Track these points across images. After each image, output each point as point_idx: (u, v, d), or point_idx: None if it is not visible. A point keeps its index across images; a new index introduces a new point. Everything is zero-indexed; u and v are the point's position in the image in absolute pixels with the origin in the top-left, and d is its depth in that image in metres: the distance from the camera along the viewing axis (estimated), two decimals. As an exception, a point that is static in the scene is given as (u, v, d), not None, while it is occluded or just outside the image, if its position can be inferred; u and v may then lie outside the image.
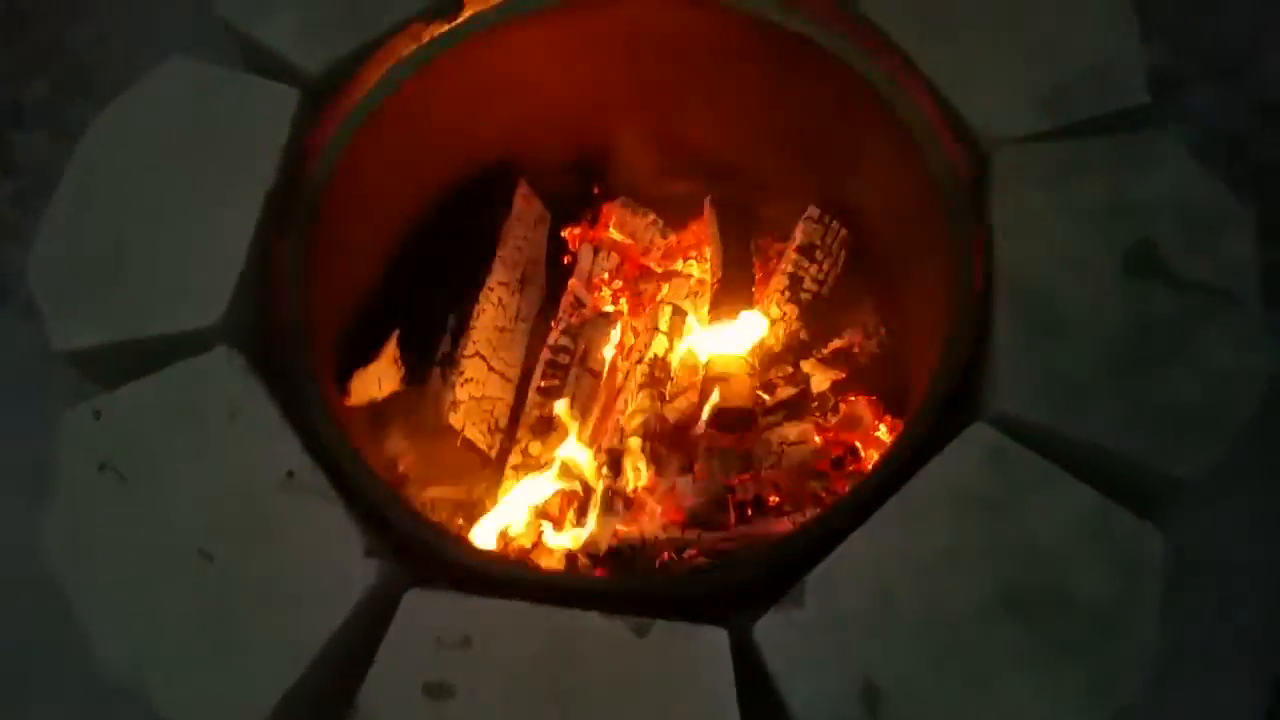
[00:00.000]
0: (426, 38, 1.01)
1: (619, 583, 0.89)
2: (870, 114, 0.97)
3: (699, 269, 1.21)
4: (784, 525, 1.04)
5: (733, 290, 1.18)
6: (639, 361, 1.11)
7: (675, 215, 1.25)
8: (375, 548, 0.80)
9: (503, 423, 1.15)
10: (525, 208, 1.23)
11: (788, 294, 1.16)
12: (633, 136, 1.22)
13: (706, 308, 1.18)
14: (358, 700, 0.75)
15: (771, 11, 1.00)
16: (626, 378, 1.11)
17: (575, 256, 1.24)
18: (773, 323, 1.16)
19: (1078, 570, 0.76)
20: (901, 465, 0.80)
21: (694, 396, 1.11)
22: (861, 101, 0.98)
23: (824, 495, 1.08)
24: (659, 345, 1.11)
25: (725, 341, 1.14)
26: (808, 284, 1.17)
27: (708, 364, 1.12)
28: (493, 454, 1.13)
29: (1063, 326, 0.84)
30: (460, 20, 1.01)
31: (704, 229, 1.24)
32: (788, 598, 0.76)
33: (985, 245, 0.88)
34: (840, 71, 0.98)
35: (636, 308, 1.19)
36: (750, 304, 1.16)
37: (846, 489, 1.05)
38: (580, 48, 1.09)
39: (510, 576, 0.80)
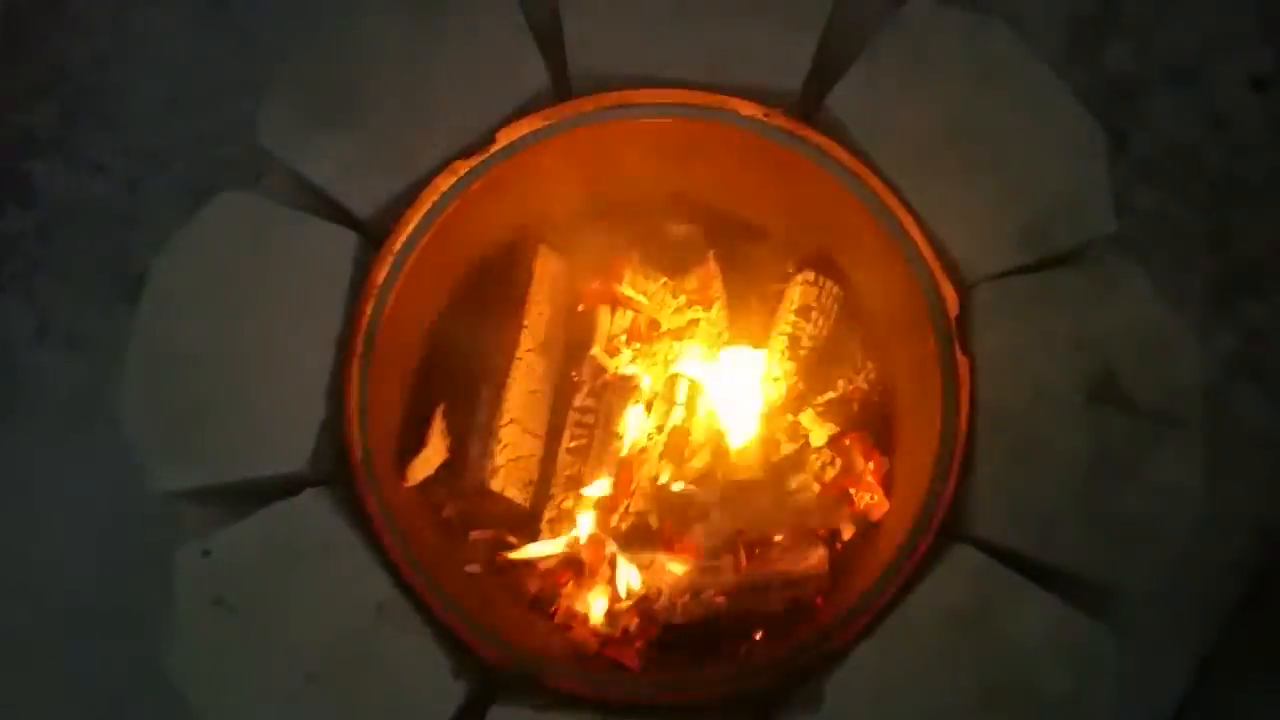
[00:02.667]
0: (463, 170, 1.08)
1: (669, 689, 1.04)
2: (870, 238, 1.08)
3: (706, 319, 1.33)
4: (788, 563, 1.22)
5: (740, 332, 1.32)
6: (659, 430, 1.25)
7: (680, 266, 1.36)
8: (461, 668, 0.96)
9: (535, 476, 1.29)
10: (544, 269, 1.33)
11: (787, 353, 1.29)
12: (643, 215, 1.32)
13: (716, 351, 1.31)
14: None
15: (779, 141, 1.09)
16: (648, 446, 1.25)
17: (592, 316, 1.35)
18: (774, 380, 1.29)
19: (1046, 670, 0.95)
20: (899, 581, 0.97)
21: (708, 456, 1.26)
22: (863, 226, 1.09)
23: (821, 533, 1.25)
24: (677, 416, 1.25)
25: (737, 403, 1.28)
26: (804, 341, 1.30)
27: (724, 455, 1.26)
28: (528, 505, 1.28)
29: (1034, 455, 0.99)
30: (492, 151, 1.09)
31: (708, 279, 1.35)
32: (808, 699, 0.95)
33: (970, 375, 1.01)
34: (842, 196, 1.09)
35: (651, 366, 1.32)
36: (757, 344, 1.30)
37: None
38: (597, 151, 1.17)
39: (580, 695, 0.97)
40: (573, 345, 1.35)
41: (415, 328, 1.19)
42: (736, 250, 1.35)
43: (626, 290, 1.35)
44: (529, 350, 1.29)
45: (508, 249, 1.28)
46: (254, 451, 1.01)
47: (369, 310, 1.06)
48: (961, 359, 1.03)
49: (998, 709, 0.93)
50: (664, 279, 1.34)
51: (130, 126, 1.66)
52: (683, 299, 1.34)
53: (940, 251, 1.05)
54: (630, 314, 1.34)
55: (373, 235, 1.08)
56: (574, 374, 1.32)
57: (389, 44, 1.11)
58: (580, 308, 1.37)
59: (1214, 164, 1.56)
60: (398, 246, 1.07)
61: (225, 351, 1.04)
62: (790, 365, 1.29)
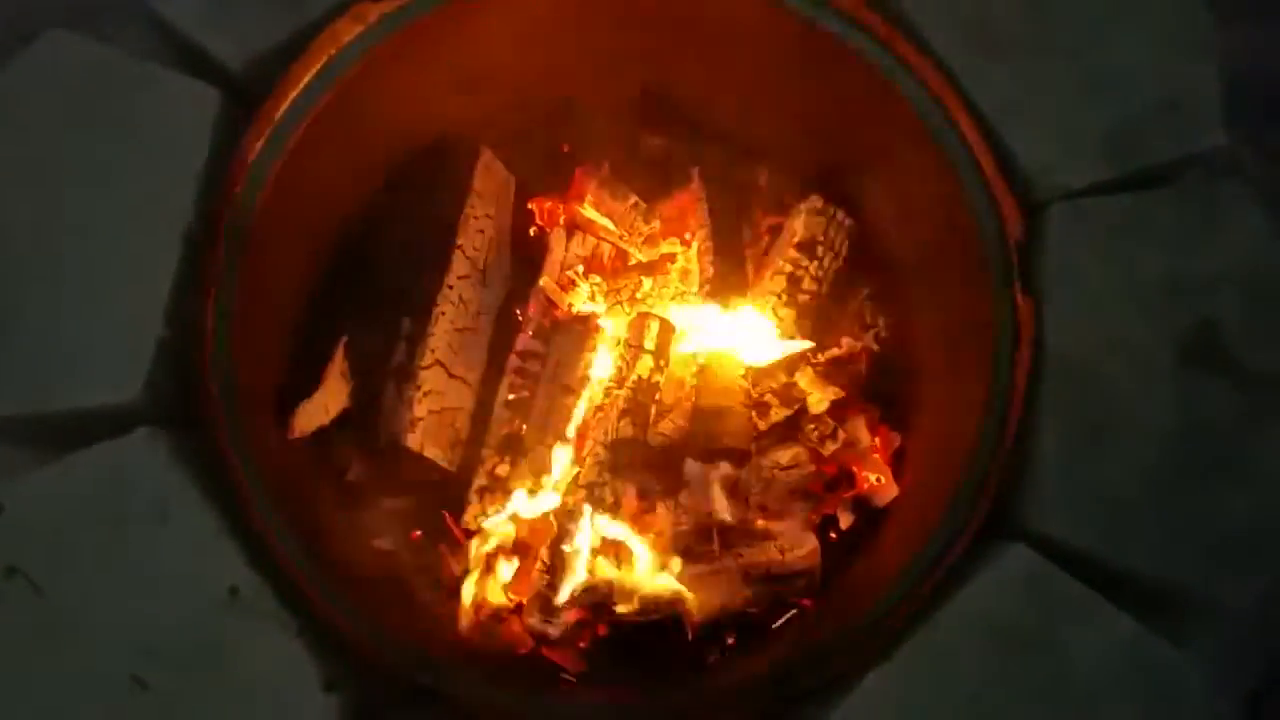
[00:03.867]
0: (373, 16, 0.82)
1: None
2: (910, 135, 0.83)
3: (684, 255, 1.08)
4: (771, 554, 0.98)
5: (725, 278, 1.06)
6: (621, 385, 0.99)
7: (656, 180, 1.11)
8: (335, 677, 0.71)
9: (464, 434, 1.04)
10: (487, 182, 1.07)
11: (785, 296, 1.05)
12: (611, 93, 1.06)
13: (695, 299, 1.06)
14: None
15: (797, 5, 0.83)
16: (607, 402, 1.00)
17: (544, 239, 1.09)
18: (767, 329, 1.04)
19: (1113, 707, 0.71)
20: (929, 587, 0.73)
21: (681, 420, 1.01)
22: (898, 119, 0.83)
23: (813, 518, 1.01)
24: (644, 366, 0.99)
25: (717, 343, 1.03)
26: (806, 284, 1.05)
27: (698, 385, 1.01)
28: (453, 468, 1.02)
29: (1111, 431, 0.75)
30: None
31: (690, 204, 1.10)
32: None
33: (1032, 322, 0.77)
34: (875, 82, 0.83)
35: (615, 305, 1.06)
36: (744, 292, 1.05)
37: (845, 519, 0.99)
38: (558, 20, 0.91)
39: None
40: (518, 274, 1.09)
41: (308, 226, 0.92)
42: (727, 168, 1.10)
43: (588, 211, 1.09)
44: (462, 277, 1.03)
45: (438, 146, 1.02)
46: (69, 374, 0.74)
47: (237, 195, 0.79)
48: (1023, 301, 0.78)
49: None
50: (635, 199, 1.07)
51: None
52: (657, 225, 1.08)
53: (1003, 159, 0.80)
54: (591, 240, 1.08)
55: (246, 95, 0.80)
56: (517, 309, 1.07)
57: None
58: (530, 230, 1.11)
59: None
60: (280, 113, 0.80)
61: (40, 242, 0.76)
62: (788, 312, 1.04)
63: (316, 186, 0.86)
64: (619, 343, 1.03)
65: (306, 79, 0.80)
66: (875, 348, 1.08)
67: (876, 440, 1.04)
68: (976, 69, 0.81)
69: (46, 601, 0.72)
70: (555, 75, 0.99)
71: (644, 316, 1.02)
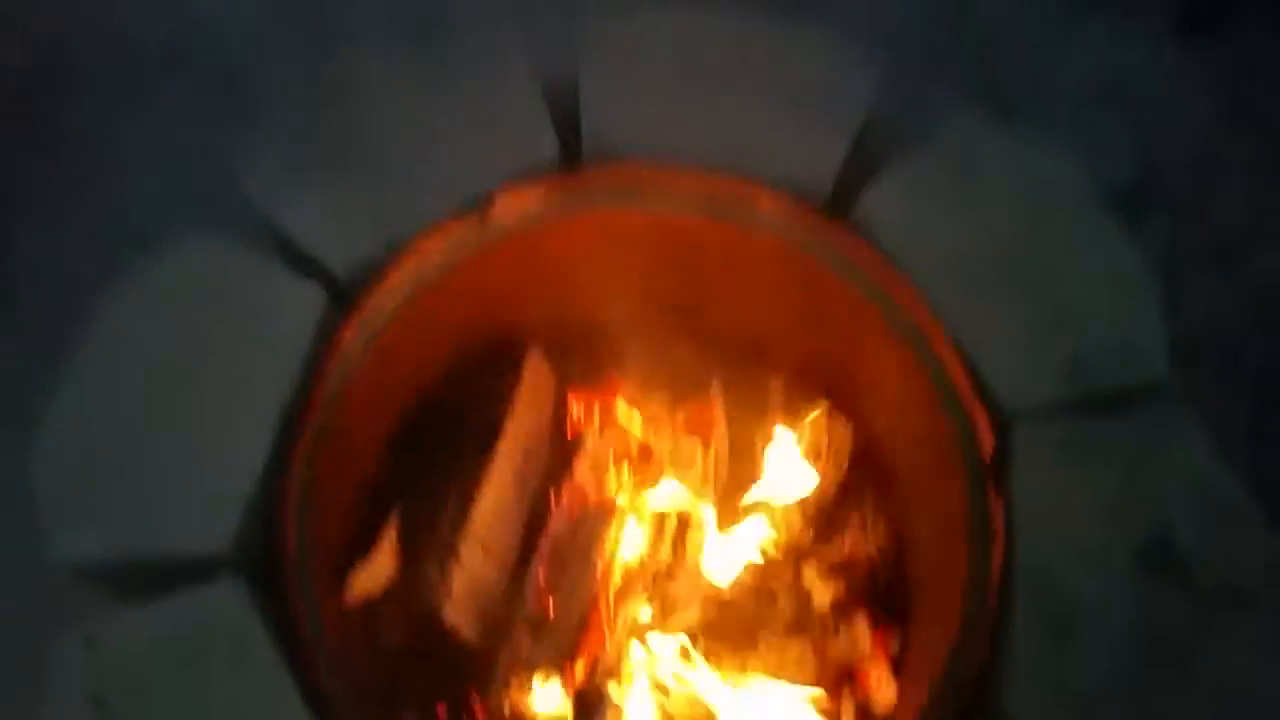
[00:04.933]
0: (456, 236, 0.99)
1: None
2: (897, 360, 0.97)
3: (702, 458, 1.20)
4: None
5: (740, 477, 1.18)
6: (639, 574, 1.10)
7: (682, 389, 1.24)
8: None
9: (496, 610, 1.13)
10: (533, 378, 1.21)
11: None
12: (645, 309, 1.21)
13: (711, 500, 1.17)
14: None
15: (803, 245, 1.00)
16: (624, 592, 1.10)
17: (580, 433, 1.22)
18: (777, 528, 1.15)
19: None
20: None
21: (694, 617, 1.10)
22: (889, 346, 0.98)
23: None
24: (664, 553, 1.10)
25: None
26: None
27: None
28: (484, 643, 1.11)
29: (1077, 628, 0.84)
30: (489, 223, 0.99)
31: (710, 410, 1.23)
32: None
33: (1005, 526, 0.88)
34: (868, 311, 0.98)
35: (640, 496, 1.18)
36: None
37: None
38: (602, 245, 1.08)
39: None
40: (555, 463, 1.21)
41: (382, 406, 1.06)
42: (743, 378, 1.24)
43: (620, 410, 1.22)
44: (505, 460, 1.16)
45: (496, 343, 1.17)
46: (169, 523, 0.87)
47: (330, 378, 0.93)
48: (996, 506, 0.89)
49: None
50: (661, 399, 1.21)
51: (123, 196, 1.58)
52: (681, 425, 1.21)
53: (977, 380, 0.93)
54: (622, 436, 1.21)
55: (346, 296, 0.97)
56: (552, 495, 1.18)
57: (391, 90, 1.04)
58: (568, 424, 1.24)
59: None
60: (372, 312, 0.96)
61: (159, 409, 0.91)
62: (795, 511, 1.16)
63: (393, 373, 1.01)
64: (643, 530, 1.14)
65: (394, 283, 0.97)
66: (874, 554, 1.17)
67: (877, 641, 1.12)
68: (954, 303, 0.95)
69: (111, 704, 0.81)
70: (596, 293, 1.15)
71: (665, 513, 1.13)
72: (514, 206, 1.01)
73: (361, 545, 1.06)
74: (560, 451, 1.21)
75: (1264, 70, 1.66)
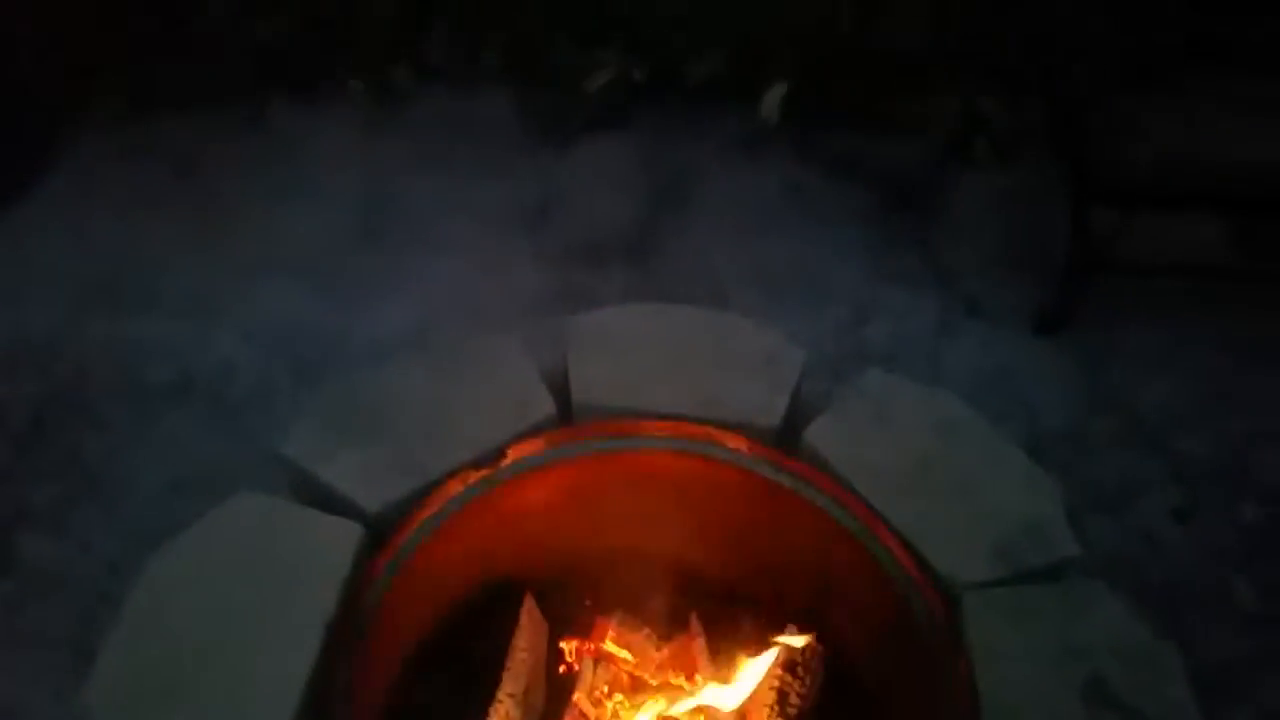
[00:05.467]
0: (473, 479, 1.17)
1: None
2: (851, 556, 1.15)
3: (687, 685, 1.31)
4: None
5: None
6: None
7: (664, 627, 1.37)
8: None
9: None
10: (528, 620, 1.33)
11: (776, 709, 1.26)
12: (624, 553, 1.37)
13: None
14: None
15: (764, 470, 1.20)
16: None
17: (574, 667, 1.32)
18: (765, 739, 1.24)
19: None
20: None
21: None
22: (843, 546, 1.16)
23: None
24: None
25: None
26: (792, 699, 1.27)
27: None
28: None
29: (1043, 756, 0.96)
30: (499, 468, 1.18)
31: (691, 643, 1.35)
32: None
33: (968, 678, 1.01)
34: (824, 521, 1.17)
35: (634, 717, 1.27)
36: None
37: None
38: (596, 483, 1.26)
39: None
40: (552, 699, 1.30)
41: (404, 628, 1.17)
42: (720, 612, 1.38)
43: (609, 645, 1.34)
44: (509, 694, 1.25)
45: (497, 588, 1.30)
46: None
47: (364, 599, 1.06)
48: (960, 663, 1.03)
49: None
50: (648, 631, 1.34)
51: (128, 513, 1.72)
52: (666, 654, 1.33)
53: (922, 566, 1.11)
54: (613, 669, 1.32)
55: (378, 529, 1.12)
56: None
57: (413, 385, 1.26)
58: (561, 667, 1.35)
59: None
60: (399, 544, 1.11)
61: (210, 635, 1.01)
62: (777, 720, 1.26)
63: (414, 600, 1.14)
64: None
65: (420, 521, 1.13)
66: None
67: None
68: (891, 507, 1.15)
69: None
70: (584, 539, 1.32)
71: (660, 727, 1.23)
72: (522, 452, 1.20)
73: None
74: (558, 686, 1.30)
75: (1101, 364, 2.03)
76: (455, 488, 1.16)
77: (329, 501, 1.14)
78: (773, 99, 2.54)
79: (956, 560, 1.11)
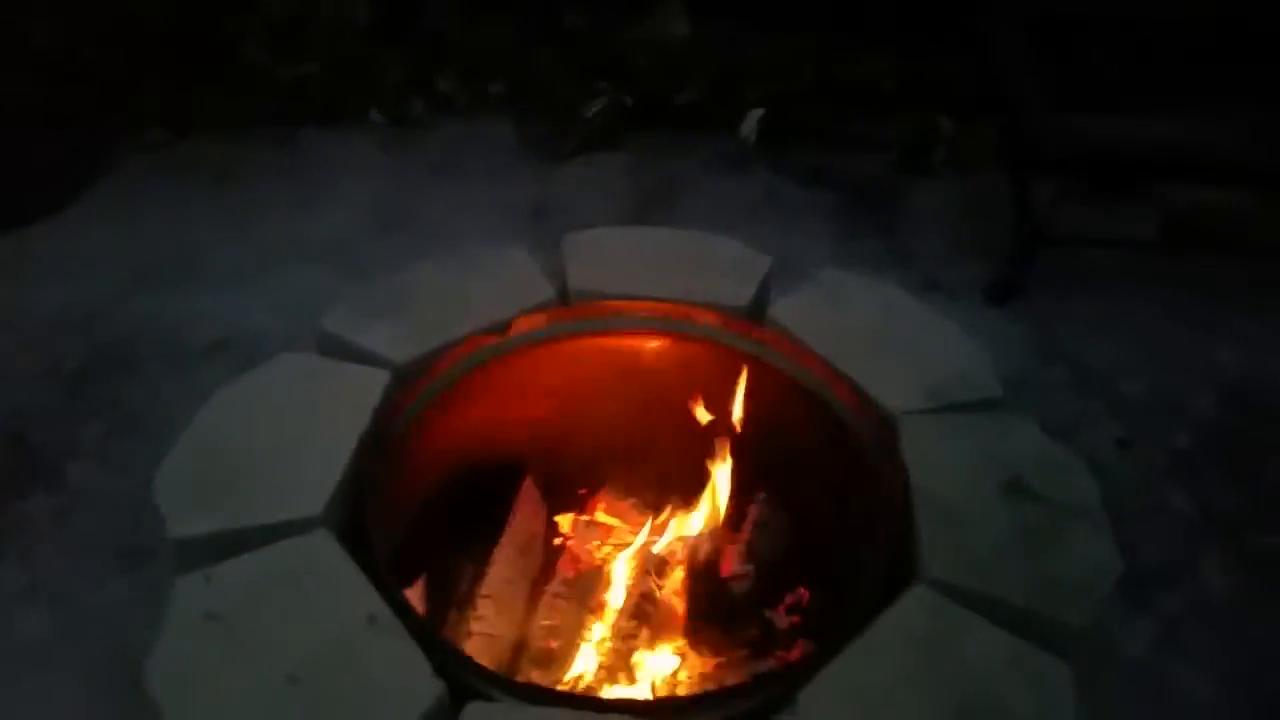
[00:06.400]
0: (484, 344, 1.37)
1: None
2: (811, 413, 1.34)
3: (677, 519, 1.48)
4: None
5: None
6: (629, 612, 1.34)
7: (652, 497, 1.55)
8: (441, 667, 0.98)
9: (504, 660, 1.32)
10: (528, 498, 1.51)
11: (747, 555, 1.43)
12: (618, 437, 1.55)
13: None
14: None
15: (734, 340, 1.40)
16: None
17: (568, 538, 1.49)
18: (737, 579, 1.40)
19: (1009, 691, 0.98)
20: (860, 616, 1.04)
21: (674, 636, 1.33)
22: (801, 400, 1.35)
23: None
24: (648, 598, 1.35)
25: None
26: (764, 550, 1.44)
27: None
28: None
29: (965, 524, 1.13)
30: (508, 337, 1.38)
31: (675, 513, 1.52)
32: (782, 711, 0.96)
33: (903, 486, 1.19)
34: (785, 380, 1.37)
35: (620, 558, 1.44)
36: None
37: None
38: (579, 359, 1.46)
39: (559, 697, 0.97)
40: (550, 560, 1.47)
41: (429, 469, 1.35)
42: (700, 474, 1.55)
43: (600, 516, 1.52)
44: (510, 544, 1.42)
45: (506, 470, 1.49)
46: (273, 502, 1.12)
47: (393, 426, 1.25)
48: (896, 467, 1.21)
49: (969, 720, 0.96)
50: (633, 500, 1.52)
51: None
52: (650, 515, 1.51)
53: (867, 403, 1.30)
54: (606, 529, 1.50)
55: (403, 375, 1.31)
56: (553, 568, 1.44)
57: (433, 279, 1.47)
58: (557, 538, 1.52)
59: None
60: (423, 387, 1.30)
61: (264, 443, 1.20)
62: (751, 568, 1.42)
63: (430, 455, 1.33)
64: (627, 583, 1.39)
65: (441, 372, 1.32)
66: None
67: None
68: (842, 363, 1.35)
69: (228, 630, 1.01)
70: (581, 419, 1.51)
71: (645, 556, 1.40)
72: (526, 326, 1.41)
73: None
74: (553, 555, 1.47)
75: (1049, 327, 2.24)
76: (470, 348, 1.36)
77: (362, 360, 1.34)
78: (751, 121, 2.82)
79: (897, 398, 1.30)
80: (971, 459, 1.23)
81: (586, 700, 1.06)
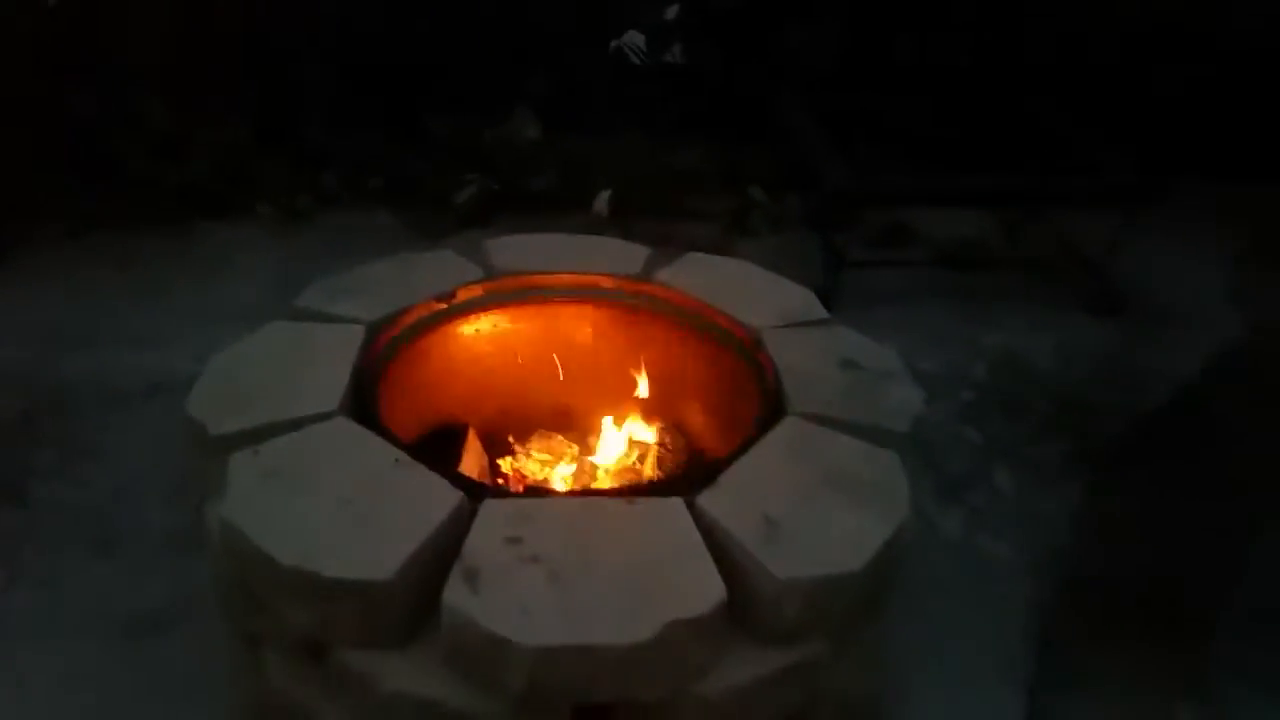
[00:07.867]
0: (436, 307, 1.73)
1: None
2: (698, 348, 1.77)
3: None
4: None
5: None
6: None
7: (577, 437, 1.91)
8: (457, 483, 1.31)
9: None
10: (472, 444, 1.84)
11: (655, 465, 1.81)
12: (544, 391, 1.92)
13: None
14: (463, 550, 1.21)
15: (630, 297, 1.83)
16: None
17: (508, 477, 1.83)
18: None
19: (859, 468, 1.40)
20: (754, 436, 1.45)
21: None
22: (689, 336, 1.78)
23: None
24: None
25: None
26: (664, 459, 1.83)
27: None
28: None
29: (816, 385, 1.57)
30: (454, 303, 1.75)
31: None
32: (710, 486, 1.34)
33: (772, 365, 1.63)
34: (672, 322, 1.79)
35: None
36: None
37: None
38: (514, 329, 1.84)
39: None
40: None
41: (404, 391, 1.68)
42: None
43: (534, 451, 1.87)
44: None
45: (448, 419, 1.83)
46: (294, 405, 1.43)
47: (372, 363, 1.59)
48: (763, 358, 1.65)
49: (837, 485, 1.36)
50: (559, 438, 1.88)
51: (118, 464, 2.11)
52: (577, 449, 1.87)
53: (739, 324, 1.74)
54: (535, 466, 1.85)
55: (376, 330, 1.65)
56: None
57: (380, 272, 1.83)
58: (499, 478, 1.85)
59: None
60: (388, 338, 1.65)
61: (277, 373, 1.51)
62: (657, 473, 1.81)
63: (401, 388, 1.66)
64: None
65: (404, 325, 1.67)
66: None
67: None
68: (716, 300, 1.79)
69: (286, 480, 1.30)
70: (512, 382, 1.88)
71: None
72: (465, 294, 1.78)
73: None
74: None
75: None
76: (425, 309, 1.72)
77: (339, 321, 1.67)
78: (603, 200, 3.33)
79: (759, 320, 1.75)
80: (816, 350, 1.68)
81: (577, 492, 1.40)
